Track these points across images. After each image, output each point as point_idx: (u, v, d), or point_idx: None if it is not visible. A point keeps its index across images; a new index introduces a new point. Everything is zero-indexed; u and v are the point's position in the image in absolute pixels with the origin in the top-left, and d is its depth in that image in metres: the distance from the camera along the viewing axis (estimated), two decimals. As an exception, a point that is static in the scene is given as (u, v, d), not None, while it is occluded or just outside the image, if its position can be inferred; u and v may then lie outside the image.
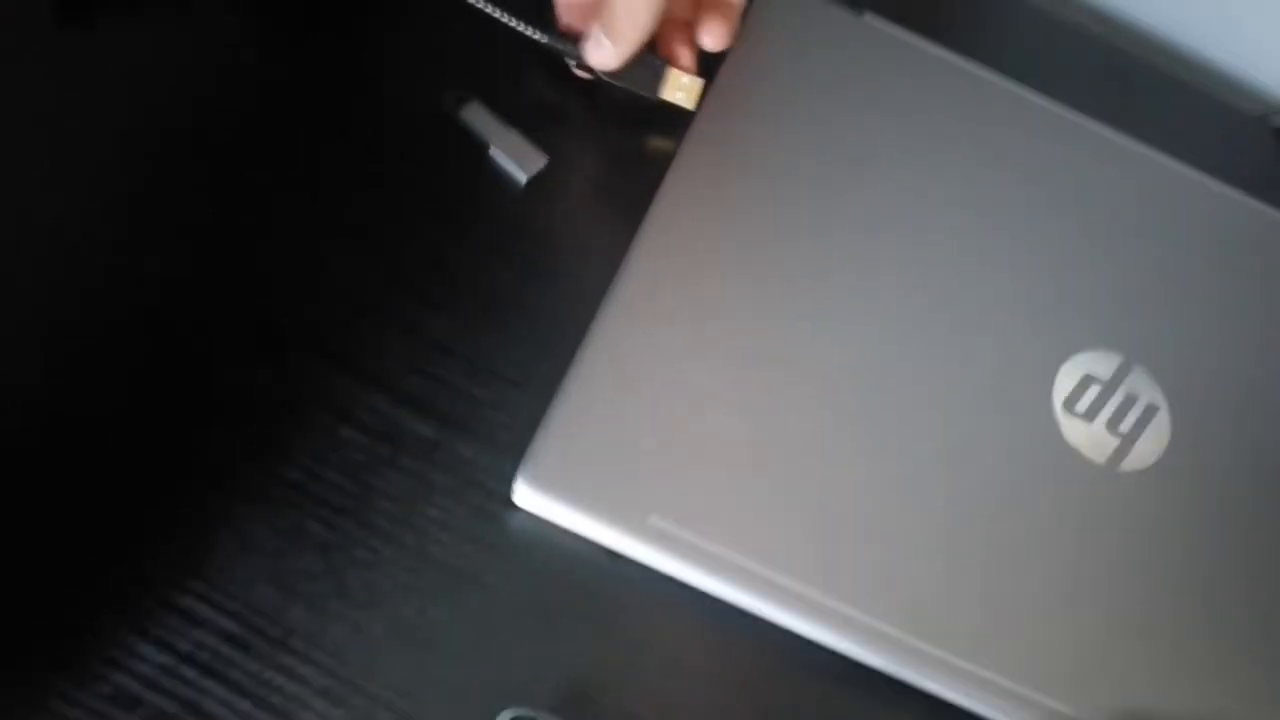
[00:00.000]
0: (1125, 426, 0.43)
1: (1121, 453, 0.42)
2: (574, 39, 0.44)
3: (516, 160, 0.44)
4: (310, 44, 0.45)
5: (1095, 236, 0.47)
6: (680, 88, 0.45)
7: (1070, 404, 0.43)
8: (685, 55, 0.45)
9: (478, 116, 0.44)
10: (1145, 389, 0.44)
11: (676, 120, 0.45)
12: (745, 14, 0.46)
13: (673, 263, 0.42)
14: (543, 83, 0.46)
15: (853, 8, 0.49)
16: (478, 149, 0.44)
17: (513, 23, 0.44)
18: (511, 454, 0.38)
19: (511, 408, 0.40)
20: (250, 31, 0.45)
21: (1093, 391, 0.43)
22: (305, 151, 0.43)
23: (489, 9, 0.43)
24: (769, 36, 0.48)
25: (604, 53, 0.43)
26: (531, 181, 0.44)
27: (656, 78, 0.45)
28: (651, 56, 0.44)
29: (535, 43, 0.44)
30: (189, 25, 0.44)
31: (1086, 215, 0.47)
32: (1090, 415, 0.43)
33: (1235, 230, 0.49)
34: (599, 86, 0.45)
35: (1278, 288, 0.48)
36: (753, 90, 0.47)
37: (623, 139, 0.47)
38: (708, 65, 0.46)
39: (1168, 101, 0.56)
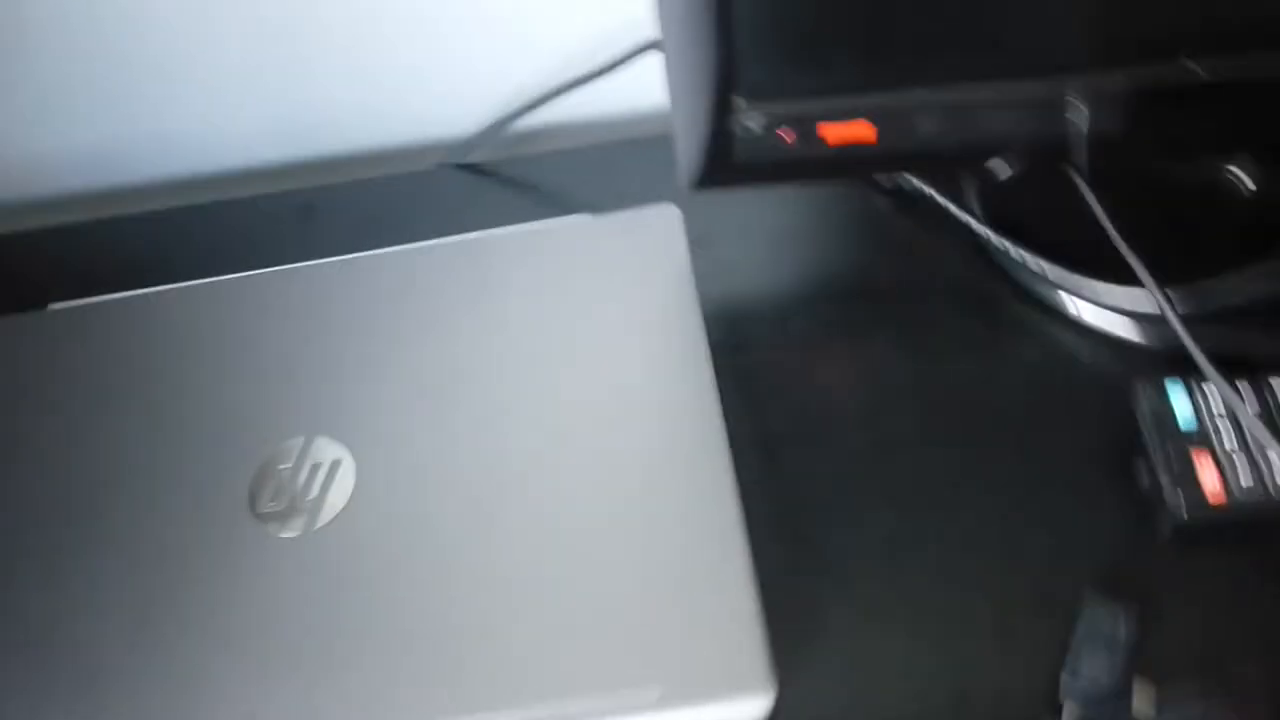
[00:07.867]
0: (313, 492, 0.49)
1: (313, 516, 0.48)
2: None
3: None
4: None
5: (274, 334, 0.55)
6: None
7: (263, 500, 0.49)
8: None
9: None
10: (328, 451, 0.50)
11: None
12: None
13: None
14: None
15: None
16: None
17: None
18: None
19: None
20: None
21: (285, 476, 0.49)
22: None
23: None
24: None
25: None
26: None
27: None
28: None
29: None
30: None
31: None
32: (282, 499, 0.49)
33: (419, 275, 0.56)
34: None
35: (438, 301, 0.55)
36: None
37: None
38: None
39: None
